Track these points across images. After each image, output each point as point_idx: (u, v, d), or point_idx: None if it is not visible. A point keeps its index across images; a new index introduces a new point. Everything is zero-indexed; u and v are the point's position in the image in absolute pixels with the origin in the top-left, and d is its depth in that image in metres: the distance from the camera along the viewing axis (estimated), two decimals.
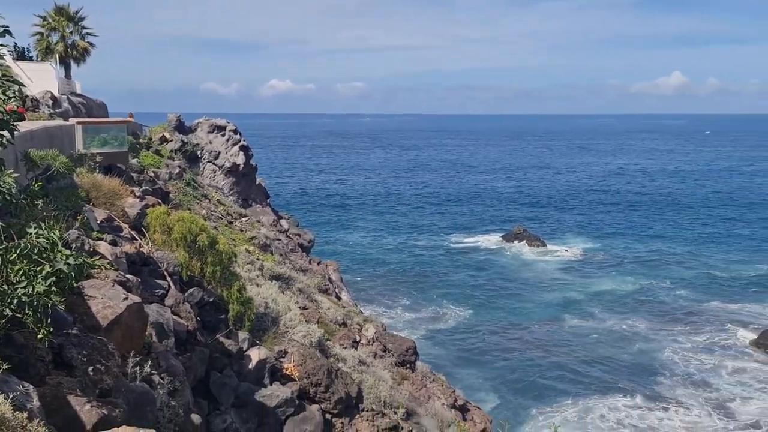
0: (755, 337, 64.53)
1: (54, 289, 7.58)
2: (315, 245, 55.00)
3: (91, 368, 6.45)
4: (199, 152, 43.93)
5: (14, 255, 7.73)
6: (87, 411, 6.12)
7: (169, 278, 12.99)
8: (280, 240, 32.62)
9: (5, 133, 9.12)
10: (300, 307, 19.56)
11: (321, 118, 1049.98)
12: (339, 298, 29.21)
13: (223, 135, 44.71)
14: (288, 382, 14.17)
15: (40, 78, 41.01)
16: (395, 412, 14.57)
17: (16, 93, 9.34)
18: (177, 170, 35.43)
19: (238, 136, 45.31)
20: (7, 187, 8.68)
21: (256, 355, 13.88)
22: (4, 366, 6.99)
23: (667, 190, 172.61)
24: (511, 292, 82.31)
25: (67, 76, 51.50)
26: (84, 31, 51.98)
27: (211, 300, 14.88)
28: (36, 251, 7.71)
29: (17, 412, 6.08)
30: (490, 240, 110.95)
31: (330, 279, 32.45)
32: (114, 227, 13.90)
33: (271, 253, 27.88)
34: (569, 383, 55.64)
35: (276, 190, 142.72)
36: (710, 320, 70.43)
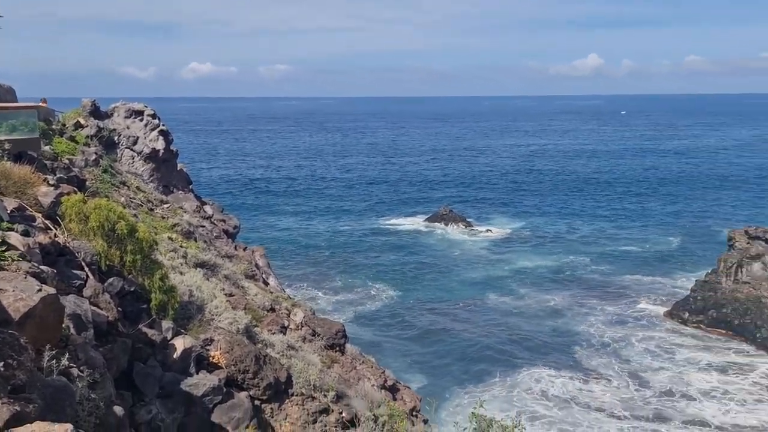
0: (667, 308, 67.77)
1: None
2: (241, 231, 54.21)
3: (1, 364, 6.18)
4: (116, 138, 42.45)
5: None
6: None
7: (86, 268, 12.54)
8: (204, 226, 31.96)
9: None
10: (226, 294, 19.26)
11: (244, 102, 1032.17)
12: (266, 284, 28.91)
13: (142, 120, 43.33)
14: (215, 370, 13.96)
15: None
16: (325, 395, 14.59)
17: None
18: (93, 157, 34.18)
19: (157, 121, 44.00)
20: None
21: (181, 344, 13.60)
22: None
23: (585, 169, 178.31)
24: (437, 272, 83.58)
25: None
26: None
27: (132, 289, 14.46)
28: None
29: None
30: (417, 221, 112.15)
31: (257, 265, 32.07)
32: (26, 217, 13.29)
33: (195, 240, 27.32)
34: (495, 359, 57.13)
35: (199, 175, 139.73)
36: (625, 293, 73.54)
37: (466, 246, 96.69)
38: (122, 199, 28.66)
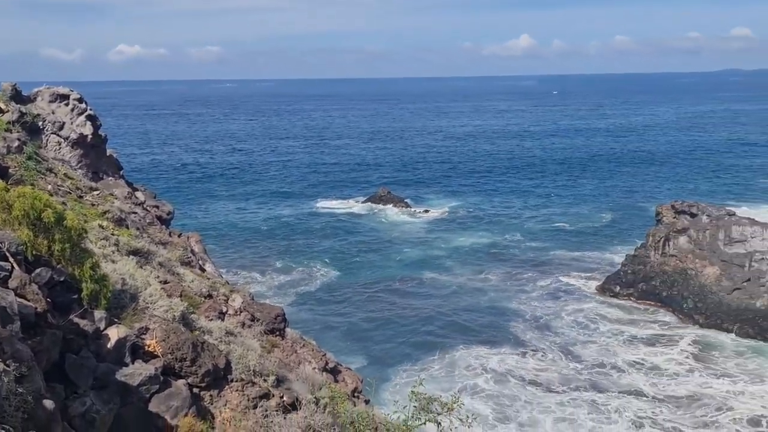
0: (599, 283, 69.97)
1: None
2: (175, 217, 53.05)
3: None
4: (40, 123, 40.79)
5: None
6: None
7: (11, 259, 12.07)
8: (136, 213, 31.16)
9: None
10: (161, 282, 18.87)
11: (176, 85, 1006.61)
12: (203, 270, 28.45)
13: (67, 104, 41.73)
14: (151, 359, 13.70)
15: None
16: (265, 380, 14.53)
17: None
18: (16, 143, 32.76)
19: (84, 105, 42.46)
20: None
21: (114, 333, 13.28)
22: None
23: (519, 149, 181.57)
24: (377, 253, 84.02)
25: None
26: None
27: (61, 279, 13.99)
28: None
29: None
30: (355, 203, 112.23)
31: (193, 251, 31.48)
32: None
33: (127, 227, 26.60)
34: (433, 337, 57.99)
35: (130, 161, 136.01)
36: (557, 269, 75.59)
37: (404, 226, 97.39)
38: (49, 186, 27.64)
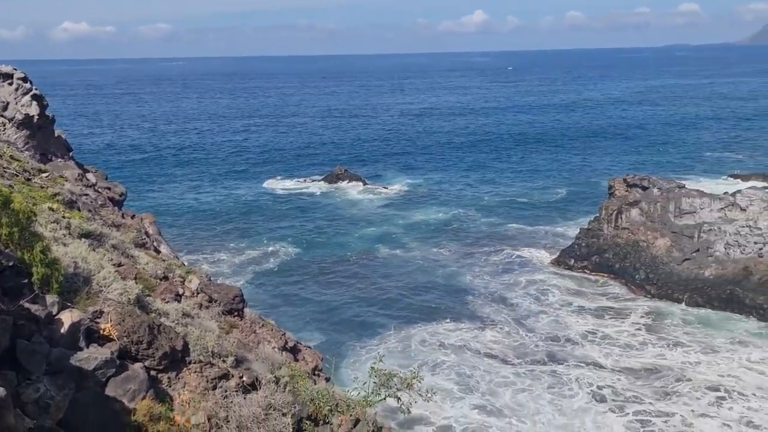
0: (554, 256, 71.20)
1: None
2: (128, 198, 52.07)
3: None
4: None
5: None
6: None
7: None
8: (87, 195, 30.46)
9: None
10: (114, 265, 18.54)
11: (126, 63, 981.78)
12: (158, 252, 28.04)
13: (11, 84, 40.38)
14: (107, 343, 13.49)
15: None
16: (224, 361, 14.47)
17: None
18: None
19: (29, 85, 41.15)
20: None
21: (68, 318, 13.02)
22: None
23: (475, 125, 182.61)
24: (335, 230, 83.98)
25: None
26: None
27: (10, 264, 13.64)
28: None
29: None
30: (312, 182, 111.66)
31: (147, 233, 30.97)
32: None
33: (79, 209, 26.01)
34: (391, 312, 58.42)
35: (80, 142, 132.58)
36: (512, 243, 76.66)
37: (362, 204, 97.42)
38: None
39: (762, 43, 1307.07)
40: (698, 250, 61.96)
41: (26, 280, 13.98)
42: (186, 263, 32.12)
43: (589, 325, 55.16)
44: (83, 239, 19.95)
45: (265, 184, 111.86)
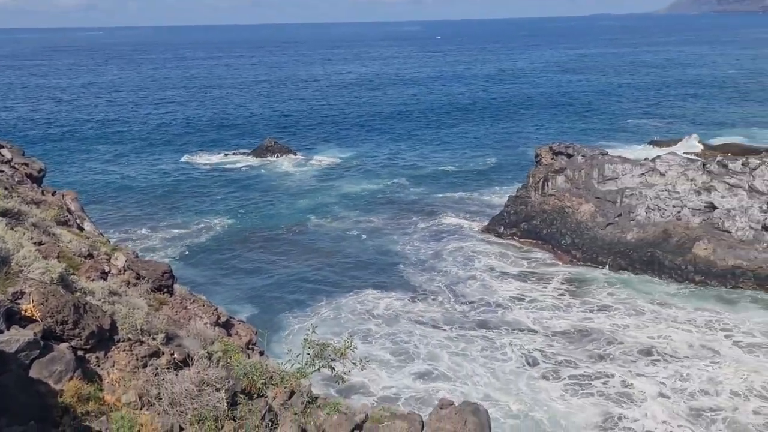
0: (484, 224, 72.51)
1: None
2: (48, 175, 50.04)
3: None
4: None
5: None
6: None
7: None
8: (3, 171, 29.11)
9: None
10: (35, 243, 17.88)
11: (40, 33, 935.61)
12: (82, 229, 27.11)
13: None
14: (29, 324, 13.05)
15: None
16: (154, 338, 14.23)
17: None
18: None
19: None
20: None
21: None
22: None
23: (404, 95, 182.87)
24: (266, 203, 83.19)
25: None
26: None
27: None
28: None
29: None
30: (242, 155, 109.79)
31: (69, 210, 29.87)
32: None
33: None
34: (323, 283, 58.50)
35: None
36: (443, 212, 77.66)
37: (293, 176, 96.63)
38: None
39: (678, 12, 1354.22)
40: (621, 215, 64.23)
41: None
42: (112, 240, 31.22)
43: (516, 290, 56.34)
44: (0, 218, 19.12)
45: (191, 158, 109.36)
